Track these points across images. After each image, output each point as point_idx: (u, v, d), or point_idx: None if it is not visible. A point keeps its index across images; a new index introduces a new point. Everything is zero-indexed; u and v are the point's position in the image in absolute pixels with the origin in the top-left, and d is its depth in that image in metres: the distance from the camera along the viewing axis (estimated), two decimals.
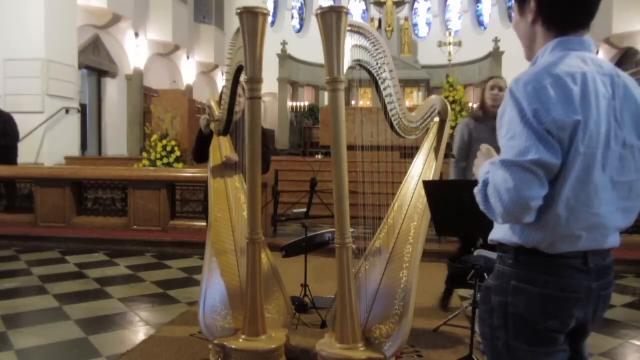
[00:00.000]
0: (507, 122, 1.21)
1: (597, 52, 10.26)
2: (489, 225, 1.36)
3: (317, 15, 2.38)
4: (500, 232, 1.31)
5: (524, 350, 1.29)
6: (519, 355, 1.29)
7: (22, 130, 7.72)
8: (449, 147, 3.44)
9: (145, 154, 8.63)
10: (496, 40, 14.38)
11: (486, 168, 1.24)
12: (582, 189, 1.20)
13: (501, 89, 3.53)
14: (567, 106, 1.16)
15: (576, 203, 1.21)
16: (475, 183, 1.27)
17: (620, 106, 1.25)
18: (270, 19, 3.15)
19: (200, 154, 3.42)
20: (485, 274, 2.75)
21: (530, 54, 1.37)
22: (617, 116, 1.24)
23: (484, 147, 1.40)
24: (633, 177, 1.28)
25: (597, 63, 1.26)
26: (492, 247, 2.75)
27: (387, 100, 2.63)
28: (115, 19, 11.18)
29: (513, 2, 1.40)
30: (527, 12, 1.32)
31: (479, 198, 1.24)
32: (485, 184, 1.21)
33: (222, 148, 3.36)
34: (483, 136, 3.32)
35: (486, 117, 3.52)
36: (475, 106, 13.85)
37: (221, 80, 15.33)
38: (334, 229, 2.53)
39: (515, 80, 1.21)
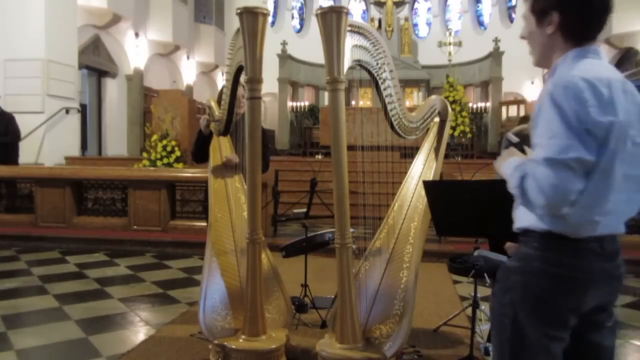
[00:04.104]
0: (545, 122, 1.30)
1: None
2: (487, 225, 1.37)
3: (317, 15, 2.38)
4: (528, 220, 1.41)
5: (533, 327, 1.38)
6: (525, 332, 1.39)
7: (23, 130, 7.72)
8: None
9: (145, 154, 8.63)
10: (496, 40, 14.37)
11: (515, 163, 1.36)
12: (604, 179, 1.31)
13: None
14: (602, 108, 1.28)
15: (598, 191, 1.31)
16: (474, 183, 1.29)
17: (631, 108, 1.37)
18: (270, 19, 3.15)
19: (199, 154, 3.43)
20: (486, 274, 2.75)
21: (544, 61, 1.48)
22: (631, 117, 1.36)
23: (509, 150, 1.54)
24: None
25: (612, 69, 1.40)
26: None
27: (387, 100, 2.63)
28: (115, 19, 11.18)
29: (528, 12, 1.47)
30: (546, 24, 1.42)
31: (516, 192, 1.34)
32: (522, 178, 1.30)
33: (222, 148, 3.36)
34: None
35: None
36: (474, 106, 13.87)
37: (221, 80, 15.32)
38: (334, 229, 2.53)
39: (554, 84, 1.32)
